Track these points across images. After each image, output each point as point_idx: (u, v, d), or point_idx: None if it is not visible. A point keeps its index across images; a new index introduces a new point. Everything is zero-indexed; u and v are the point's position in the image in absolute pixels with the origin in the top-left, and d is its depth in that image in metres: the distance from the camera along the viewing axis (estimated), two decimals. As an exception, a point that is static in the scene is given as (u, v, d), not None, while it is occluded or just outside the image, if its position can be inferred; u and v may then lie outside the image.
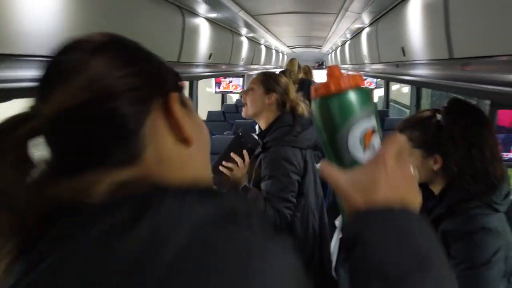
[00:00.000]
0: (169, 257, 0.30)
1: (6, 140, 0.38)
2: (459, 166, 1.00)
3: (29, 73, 1.02)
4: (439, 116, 1.05)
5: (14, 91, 1.01)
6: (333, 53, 7.53)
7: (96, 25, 1.31)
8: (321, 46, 7.08)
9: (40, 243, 0.35)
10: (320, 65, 8.81)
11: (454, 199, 1.02)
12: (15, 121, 0.39)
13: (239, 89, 5.97)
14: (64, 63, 0.40)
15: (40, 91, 0.40)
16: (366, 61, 3.18)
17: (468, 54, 1.13)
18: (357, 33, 3.54)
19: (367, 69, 3.24)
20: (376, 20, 2.50)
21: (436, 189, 1.10)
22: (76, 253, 0.32)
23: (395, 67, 2.09)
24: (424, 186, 1.09)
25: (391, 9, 2.09)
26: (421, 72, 1.58)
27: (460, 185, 1.00)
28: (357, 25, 3.09)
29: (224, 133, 4.00)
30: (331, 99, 0.43)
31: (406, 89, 11.30)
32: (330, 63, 8.54)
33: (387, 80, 3.77)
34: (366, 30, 2.99)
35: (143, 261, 0.30)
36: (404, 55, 1.85)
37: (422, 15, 1.47)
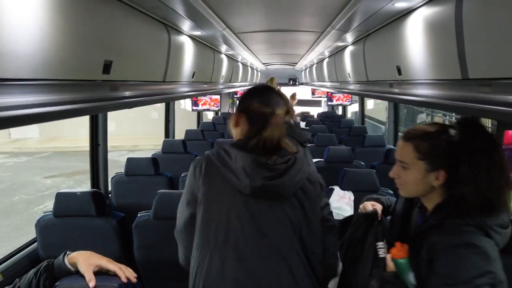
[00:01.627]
0: None
1: None
2: (470, 187, 0.96)
3: (8, 100, 0.87)
4: (452, 132, 1.01)
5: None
6: (307, 70, 7.62)
7: (82, 44, 1.18)
8: (296, 63, 7.16)
9: None
10: (293, 82, 8.90)
11: (448, 215, 1.00)
12: None
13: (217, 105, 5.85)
14: None
15: None
16: (350, 79, 3.18)
17: (484, 75, 1.09)
18: (338, 51, 3.55)
19: (351, 87, 3.23)
20: (363, 38, 2.49)
21: (428, 203, 1.07)
22: None
23: (388, 86, 2.06)
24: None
25: (381, 28, 2.08)
26: (424, 92, 1.54)
27: (457, 203, 0.99)
28: (341, 43, 3.09)
29: (205, 153, 3.85)
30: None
31: (371, 104, 11.61)
32: (303, 80, 8.65)
33: (380, 100, 3.79)
34: (350, 48, 3.00)
35: None
36: (399, 74, 1.82)
37: (426, 33, 1.44)
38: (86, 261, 1.00)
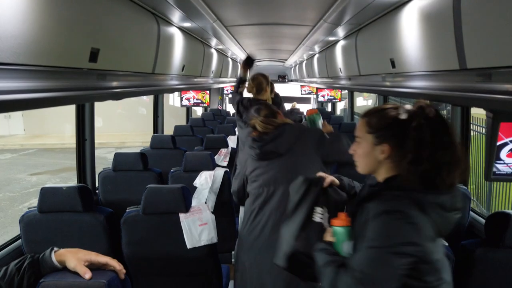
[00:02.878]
0: None
1: None
2: (411, 163, 1.01)
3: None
4: (401, 110, 1.07)
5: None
6: (296, 66, 7.61)
7: (68, 28, 1.12)
8: (286, 59, 7.13)
9: None
10: (283, 79, 8.87)
11: (389, 187, 1.05)
12: None
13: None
14: None
15: None
16: (341, 74, 3.16)
17: (483, 64, 1.07)
18: (329, 46, 3.53)
19: (342, 82, 3.22)
20: (355, 32, 2.47)
21: (379, 176, 1.12)
22: None
23: (381, 79, 2.04)
24: None
25: (374, 21, 2.06)
26: (419, 84, 1.52)
27: (401, 178, 1.03)
28: (332, 38, 3.07)
29: (195, 149, 3.80)
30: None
31: (360, 101, 11.67)
32: (292, 77, 8.64)
33: (372, 93, 3.78)
34: (342, 42, 2.98)
35: None
36: (393, 66, 1.81)
37: (422, 24, 1.42)
38: (75, 256, 0.97)
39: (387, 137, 1.07)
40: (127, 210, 1.92)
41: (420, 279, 0.99)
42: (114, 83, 1.48)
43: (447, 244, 1.49)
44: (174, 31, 2.23)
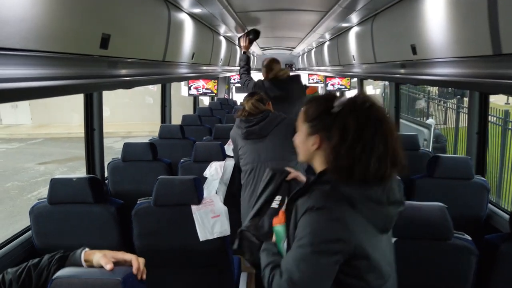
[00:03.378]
0: None
1: None
2: (336, 155, 0.98)
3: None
4: (337, 102, 1.02)
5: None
6: (304, 55, 7.49)
7: (78, 12, 1.06)
8: (294, 47, 7.01)
9: None
10: (289, 68, 8.76)
11: (317, 182, 1.03)
12: None
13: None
14: None
15: None
16: (354, 61, 3.07)
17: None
18: (342, 32, 3.43)
19: (355, 70, 3.13)
20: (371, 17, 2.37)
21: (316, 168, 1.10)
22: None
23: (399, 67, 1.96)
24: None
25: (393, 5, 1.97)
26: (444, 71, 1.45)
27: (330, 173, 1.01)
28: (346, 24, 2.97)
29: (204, 138, 3.75)
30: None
31: (370, 90, 11.51)
32: (300, 66, 8.51)
33: (389, 81, 3.67)
34: (356, 29, 2.88)
35: None
36: (414, 53, 1.73)
37: (449, 7, 1.33)
38: (101, 252, 0.97)
39: (319, 128, 1.04)
40: (138, 202, 1.89)
41: (360, 278, 0.96)
42: (125, 71, 1.42)
43: (470, 238, 1.50)
44: (184, 17, 2.15)
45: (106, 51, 1.20)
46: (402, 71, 1.96)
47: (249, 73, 3.06)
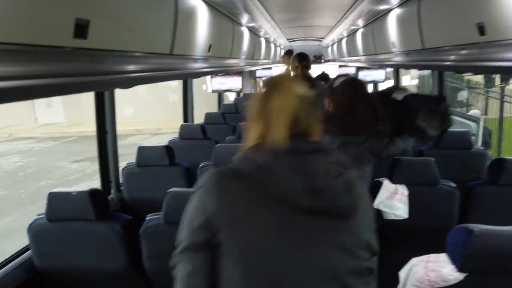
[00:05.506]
0: None
1: None
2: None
3: None
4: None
5: None
6: (334, 45, 7.05)
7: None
8: (323, 37, 6.60)
9: None
10: (318, 59, 8.34)
11: None
12: None
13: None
14: None
15: None
16: (395, 49, 2.68)
17: None
18: (378, 17, 3.04)
19: (396, 59, 2.74)
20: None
21: None
22: None
23: (458, 51, 1.59)
24: None
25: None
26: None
27: None
28: (384, 6, 2.59)
29: (226, 138, 3.48)
30: None
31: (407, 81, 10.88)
32: (329, 57, 8.08)
33: (443, 70, 3.26)
34: (397, 11, 2.49)
35: None
36: (482, 33, 1.35)
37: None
38: None
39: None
40: (147, 218, 1.64)
41: None
42: (118, 67, 1.15)
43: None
44: (197, 3, 1.86)
45: (83, 42, 0.93)
46: (461, 57, 1.59)
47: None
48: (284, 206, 0.80)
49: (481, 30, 1.36)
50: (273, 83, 0.89)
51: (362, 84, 1.81)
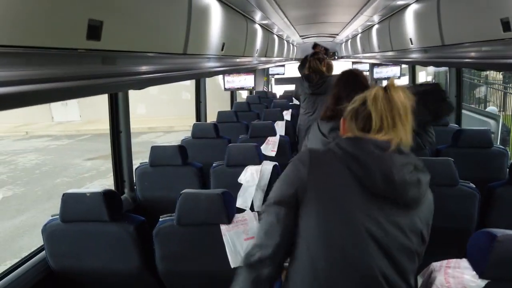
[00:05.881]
0: None
1: None
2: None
3: None
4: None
5: None
6: (348, 42, 6.95)
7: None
8: (337, 34, 6.50)
9: None
10: (332, 56, 8.24)
11: None
12: None
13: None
14: None
15: None
16: (412, 45, 2.60)
17: None
18: (395, 12, 2.96)
19: (413, 56, 2.66)
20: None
21: None
22: None
23: (479, 47, 1.53)
24: None
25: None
26: None
27: None
28: (401, 1, 2.51)
29: (239, 137, 3.46)
30: None
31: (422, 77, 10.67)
32: (343, 53, 7.97)
33: (462, 67, 3.22)
34: (414, 6, 2.42)
35: None
36: (507, 29, 1.29)
37: None
38: None
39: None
40: (160, 219, 1.63)
41: None
42: (130, 68, 1.13)
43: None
44: (210, 1, 1.84)
45: (96, 43, 0.92)
46: (483, 54, 1.53)
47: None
48: (365, 188, 0.98)
49: (506, 26, 1.30)
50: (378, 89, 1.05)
51: (356, 75, 1.91)
